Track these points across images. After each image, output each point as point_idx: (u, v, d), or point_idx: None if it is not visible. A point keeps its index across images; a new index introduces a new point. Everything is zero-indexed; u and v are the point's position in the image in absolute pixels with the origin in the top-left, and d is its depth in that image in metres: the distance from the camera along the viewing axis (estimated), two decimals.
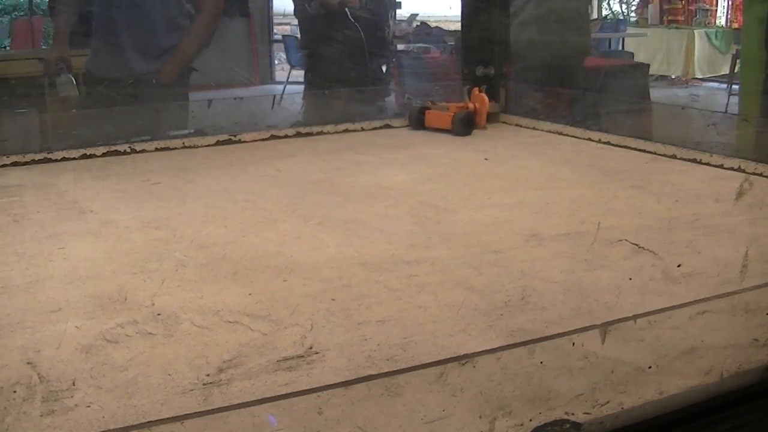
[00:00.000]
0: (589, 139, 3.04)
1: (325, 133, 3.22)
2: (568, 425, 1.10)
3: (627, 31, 14.75)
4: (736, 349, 1.30)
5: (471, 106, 3.30)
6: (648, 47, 14.42)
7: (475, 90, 3.36)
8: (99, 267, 1.74)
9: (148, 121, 3.21)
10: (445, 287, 1.60)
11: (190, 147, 2.95)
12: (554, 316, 1.45)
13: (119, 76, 4.24)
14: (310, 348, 1.31)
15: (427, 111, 3.34)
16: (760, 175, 2.49)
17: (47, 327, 1.43)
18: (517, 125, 3.34)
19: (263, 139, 3.10)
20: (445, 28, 7.14)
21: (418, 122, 3.35)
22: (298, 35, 11.13)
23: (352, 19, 4.96)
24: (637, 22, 16.39)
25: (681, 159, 2.71)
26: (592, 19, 16.00)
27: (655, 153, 2.80)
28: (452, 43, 7.01)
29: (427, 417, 1.10)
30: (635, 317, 1.26)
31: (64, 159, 2.81)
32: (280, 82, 11.29)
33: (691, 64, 14.31)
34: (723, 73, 13.43)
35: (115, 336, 1.37)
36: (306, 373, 1.24)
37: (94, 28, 4.45)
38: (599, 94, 4.35)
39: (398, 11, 8.59)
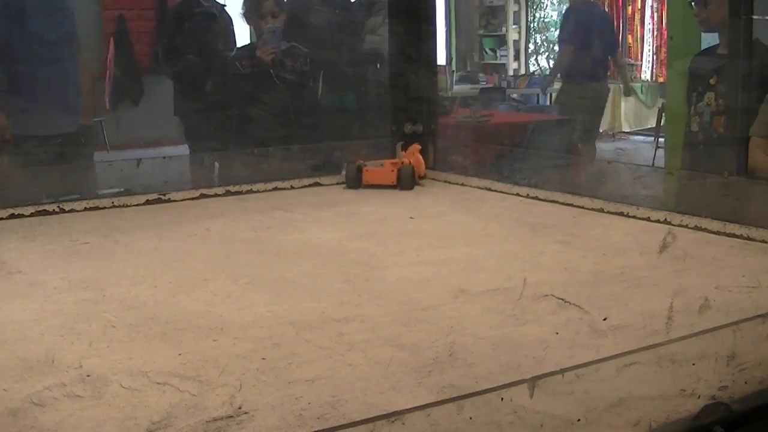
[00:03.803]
0: (517, 195, 3.07)
1: (254, 192, 3.22)
2: None
3: (555, 87, 14.86)
4: (664, 400, 1.31)
5: (406, 161, 3.30)
6: None
7: (413, 147, 3.35)
8: (27, 329, 1.73)
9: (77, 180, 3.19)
10: (375, 345, 1.60)
11: (119, 206, 2.93)
12: (483, 371, 1.46)
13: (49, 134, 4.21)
14: (240, 408, 1.30)
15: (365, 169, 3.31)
16: (686, 226, 2.53)
17: None
18: (445, 182, 3.36)
19: (193, 198, 3.08)
20: None
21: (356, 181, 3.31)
22: None
23: (276, 80, 4.98)
24: None
25: (608, 213, 2.75)
26: (520, 75, 16.16)
27: (582, 207, 2.83)
28: None
29: None
30: (563, 371, 1.27)
31: None
32: None
33: (617, 118, 14.48)
34: (649, 126, 13.60)
35: (43, 399, 1.36)
36: None
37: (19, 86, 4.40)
38: (527, 150, 4.40)
39: None
